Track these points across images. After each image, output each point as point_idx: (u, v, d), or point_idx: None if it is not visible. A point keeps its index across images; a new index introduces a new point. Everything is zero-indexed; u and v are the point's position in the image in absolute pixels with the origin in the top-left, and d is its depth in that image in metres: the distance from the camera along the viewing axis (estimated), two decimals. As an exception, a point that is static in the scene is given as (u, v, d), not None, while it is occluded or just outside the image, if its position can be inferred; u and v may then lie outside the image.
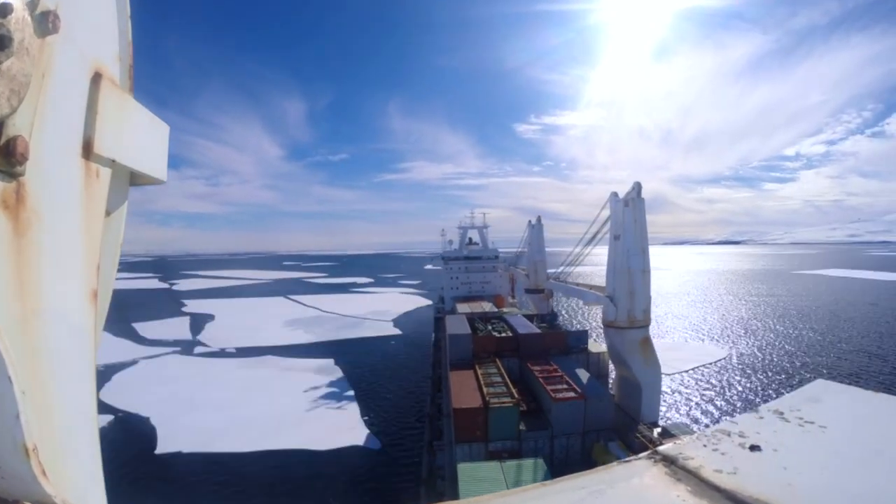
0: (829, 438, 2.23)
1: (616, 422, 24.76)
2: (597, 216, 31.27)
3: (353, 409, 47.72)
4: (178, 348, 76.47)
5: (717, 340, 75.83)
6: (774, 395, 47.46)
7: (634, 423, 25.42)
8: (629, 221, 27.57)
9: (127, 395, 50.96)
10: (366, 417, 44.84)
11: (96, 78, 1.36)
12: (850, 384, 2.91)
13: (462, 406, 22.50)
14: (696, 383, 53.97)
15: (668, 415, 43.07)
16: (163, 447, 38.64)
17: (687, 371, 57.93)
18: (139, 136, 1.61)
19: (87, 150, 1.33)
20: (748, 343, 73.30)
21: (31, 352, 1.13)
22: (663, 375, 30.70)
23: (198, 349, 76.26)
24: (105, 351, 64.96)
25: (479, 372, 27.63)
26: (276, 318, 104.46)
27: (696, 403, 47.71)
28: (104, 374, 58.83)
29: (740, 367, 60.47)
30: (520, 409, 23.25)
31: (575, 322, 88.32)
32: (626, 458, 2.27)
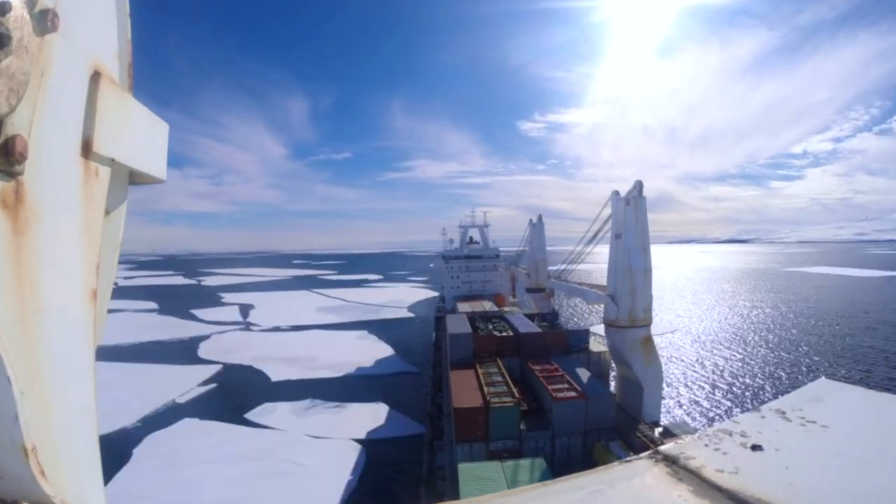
0: (832, 438, 2.22)
1: (617, 421, 24.74)
2: (598, 214, 31.25)
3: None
4: (239, 326, 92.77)
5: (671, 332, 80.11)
6: (714, 371, 55.02)
7: (635, 423, 25.42)
8: (630, 220, 27.53)
9: (225, 354, 67.56)
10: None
11: (95, 76, 1.35)
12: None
13: (463, 405, 22.50)
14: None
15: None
16: (276, 377, 55.73)
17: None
18: (139, 135, 1.60)
19: (87, 149, 1.32)
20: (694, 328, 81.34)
21: (31, 352, 1.13)
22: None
23: (254, 327, 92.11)
24: (184, 328, 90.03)
25: (480, 371, 27.64)
26: (308, 306, 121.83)
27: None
28: (198, 344, 75.38)
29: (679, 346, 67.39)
30: (521, 409, 23.25)
31: (577, 319, 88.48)
32: (628, 458, 2.27)
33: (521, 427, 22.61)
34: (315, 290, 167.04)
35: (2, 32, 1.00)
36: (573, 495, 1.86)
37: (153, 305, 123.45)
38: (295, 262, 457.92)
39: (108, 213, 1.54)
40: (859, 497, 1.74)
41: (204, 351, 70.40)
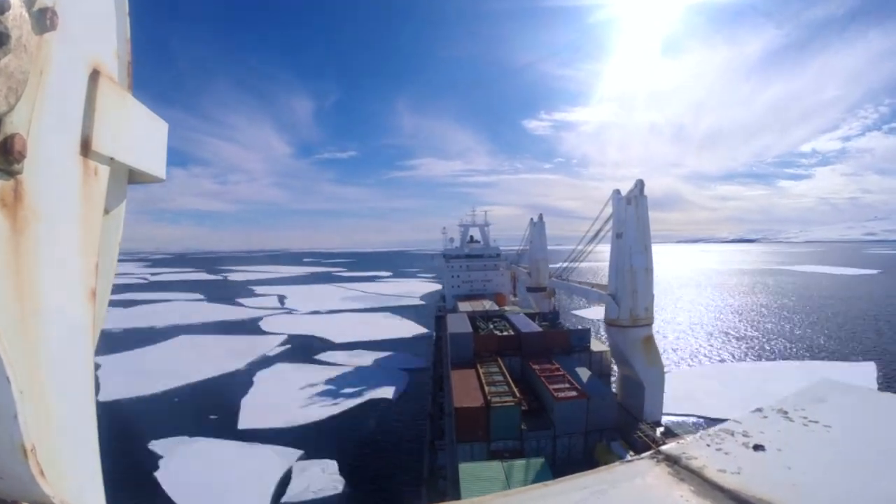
0: (834, 438, 2.21)
1: (618, 421, 24.72)
2: (599, 213, 31.23)
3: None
4: (283, 311, 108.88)
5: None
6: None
7: (637, 423, 25.39)
8: (631, 219, 27.50)
9: (285, 327, 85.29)
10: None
11: (94, 75, 1.35)
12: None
13: (463, 405, 22.51)
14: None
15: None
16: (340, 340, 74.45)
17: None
18: (138, 134, 1.60)
19: (86, 148, 1.32)
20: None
21: (30, 351, 1.12)
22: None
23: (295, 312, 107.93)
24: (238, 312, 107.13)
25: (481, 371, 27.62)
26: (334, 296, 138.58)
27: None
28: (257, 323, 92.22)
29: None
30: (521, 409, 23.23)
31: (577, 318, 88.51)
32: (629, 458, 2.26)
33: (523, 427, 22.58)
34: (335, 283, 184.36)
35: (0, 31, 0.99)
36: (574, 495, 1.86)
37: (199, 296, 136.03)
38: (306, 260, 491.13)
39: (107, 212, 1.54)
40: (862, 498, 1.74)
41: (267, 326, 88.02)
